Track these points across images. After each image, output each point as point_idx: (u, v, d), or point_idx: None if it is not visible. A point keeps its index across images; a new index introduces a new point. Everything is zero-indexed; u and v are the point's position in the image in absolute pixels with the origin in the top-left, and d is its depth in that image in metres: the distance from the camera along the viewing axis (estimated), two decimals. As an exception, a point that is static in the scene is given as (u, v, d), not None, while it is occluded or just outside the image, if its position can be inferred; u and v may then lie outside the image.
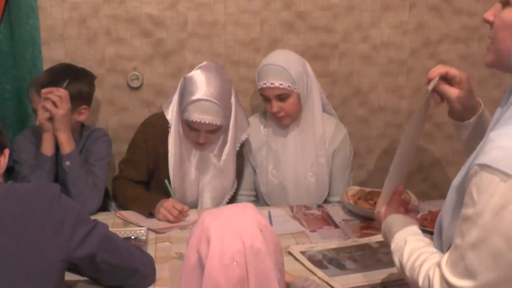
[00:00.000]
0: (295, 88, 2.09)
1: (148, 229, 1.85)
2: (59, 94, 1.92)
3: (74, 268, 1.37)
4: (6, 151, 1.36)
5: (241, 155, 2.22)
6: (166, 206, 1.95)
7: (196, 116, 1.95)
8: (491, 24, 1.18)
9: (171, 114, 2.08)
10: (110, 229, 1.42)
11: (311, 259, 1.68)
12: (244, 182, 2.26)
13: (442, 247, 1.23)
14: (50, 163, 1.94)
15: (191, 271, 1.06)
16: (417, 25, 2.49)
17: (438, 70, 1.36)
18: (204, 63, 2.08)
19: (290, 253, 1.71)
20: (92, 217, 1.39)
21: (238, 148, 2.16)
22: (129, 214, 1.99)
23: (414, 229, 1.30)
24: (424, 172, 2.68)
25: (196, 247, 1.06)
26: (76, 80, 2.02)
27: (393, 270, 1.57)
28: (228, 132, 2.09)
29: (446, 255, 1.11)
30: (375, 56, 2.50)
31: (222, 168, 2.13)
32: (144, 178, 2.14)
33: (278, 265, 1.09)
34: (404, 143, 1.40)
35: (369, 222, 1.94)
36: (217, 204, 2.15)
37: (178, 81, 2.11)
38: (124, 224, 1.93)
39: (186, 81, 2.02)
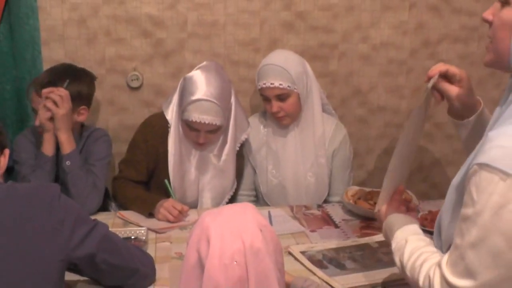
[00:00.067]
0: (294, 88, 2.09)
1: (148, 229, 1.85)
2: (60, 93, 1.92)
3: (74, 268, 1.36)
4: (6, 151, 1.36)
5: (241, 155, 2.22)
6: (166, 206, 1.95)
7: (196, 116, 1.96)
8: (490, 23, 1.18)
9: (171, 114, 2.08)
10: (110, 229, 1.42)
11: (311, 259, 1.68)
12: (244, 182, 2.26)
13: (442, 246, 1.23)
14: (50, 163, 1.95)
15: (191, 271, 1.06)
16: (416, 25, 2.49)
17: (438, 68, 1.36)
18: (204, 63, 2.08)
19: (290, 253, 1.71)
20: (92, 217, 1.39)
21: (238, 148, 2.16)
22: (129, 214, 1.99)
23: (415, 228, 1.30)
24: (424, 172, 2.68)
25: (196, 247, 1.06)
26: (76, 80, 2.02)
27: (393, 270, 1.58)
28: (228, 132, 2.10)
29: (446, 255, 1.11)
30: (374, 56, 2.50)
31: (222, 168, 2.13)
32: (144, 178, 2.14)
33: (278, 265, 1.10)
34: (404, 141, 1.39)
35: (369, 222, 1.94)
36: (217, 204, 2.15)
37: (178, 81, 2.11)
38: (124, 224, 1.93)
39: (186, 81, 2.02)
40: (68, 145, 1.94)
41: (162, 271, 1.58)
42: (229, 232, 1.04)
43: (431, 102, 1.41)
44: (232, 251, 1.02)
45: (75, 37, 2.30)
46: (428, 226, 1.80)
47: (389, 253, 1.60)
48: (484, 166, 1.03)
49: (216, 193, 2.15)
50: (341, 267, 1.64)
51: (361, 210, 1.98)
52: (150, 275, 1.52)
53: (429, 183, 2.70)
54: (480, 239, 1.03)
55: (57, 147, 1.96)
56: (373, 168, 2.63)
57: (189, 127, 2.02)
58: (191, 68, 2.10)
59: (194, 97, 1.95)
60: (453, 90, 1.36)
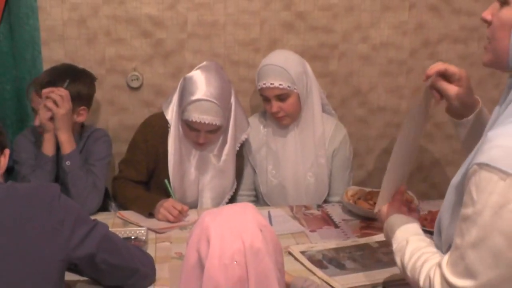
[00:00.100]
0: (294, 88, 2.09)
1: (148, 229, 1.85)
2: (60, 93, 1.92)
3: (74, 268, 1.37)
4: (6, 151, 1.36)
5: (241, 155, 2.22)
6: (166, 206, 1.95)
7: (196, 116, 1.96)
8: (488, 23, 1.17)
9: (170, 114, 2.08)
10: (110, 229, 1.42)
11: (311, 259, 1.68)
12: (243, 182, 2.26)
13: (442, 247, 1.23)
14: (51, 163, 1.95)
15: (191, 271, 1.06)
16: (416, 25, 2.49)
17: (437, 67, 1.36)
18: (204, 63, 2.08)
19: (290, 253, 1.71)
20: (92, 217, 1.39)
21: (237, 148, 2.16)
22: (129, 214, 1.99)
23: (416, 229, 1.30)
24: (424, 172, 2.68)
25: (196, 247, 1.06)
26: (76, 80, 2.02)
27: (393, 270, 1.58)
28: (228, 132, 2.10)
29: (447, 255, 1.11)
30: (374, 56, 2.50)
31: (221, 168, 2.13)
32: (144, 178, 2.14)
33: (278, 265, 1.10)
34: (404, 140, 1.39)
35: (368, 222, 1.94)
36: (217, 204, 2.15)
37: (178, 81, 2.11)
38: (124, 224, 1.93)
39: (186, 81, 2.02)
40: (68, 145, 1.94)
41: (162, 271, 1.58)
42: (229, 232, 1.04)
43: (431, 101, 1.40)
44: (232, 251, 1.02)
45: (75, 37, 2.30)
46: (428, 226, 1.80)
47: (389, 253, 1.60)
48: (483, 165, 1.03)
49: (216, 193, 2.15)
50: (341, 267, 1.64)
51: (361, 210, 1.98)
52: (150, 275, 1.52)
53: (429, 183, 2.70)
54: (480, 239, 1.03)
55: (57, 147, 1.96)
56: (373, 168, 2.64)
57: (189, 127, 2.02)
58: (191, 68, 2.10)
59: (194, 97, 1.96)
60: (451, 89, 1.36)
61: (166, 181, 2.07)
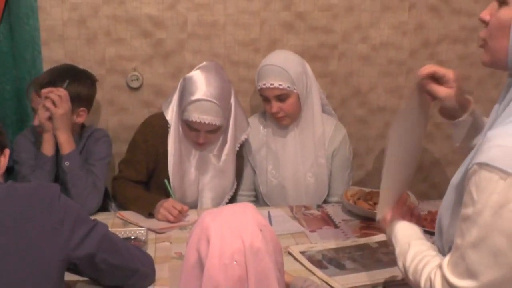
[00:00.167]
0: (294, 89, 2.09)
1: (148, 229, 1.85)
2: (59, 93, 1.92)
3: (73, 268, 1.37)
4: (6, 151, 1.36)
5: (241, 155, 2.23)
6: (166, 206, 1.95)
7: (196, 116, 1.96)
8: (486, 23, 1.17)
9: (170, 114, 2.08)
10: (109, 229, 1.42)
11: (310, 259, 1.68)
12: (243, 183, 2.26)
13: (443, 247, 1.23)
14: (50, 163, 1.95)
15: (191, 271, 1.06)
16: (416, 26, 2.49)
17: (426, 70, 1.36)
18: (204, 63, 2.08)
19: (289, 253, 1.71)
20: (92, 217, 1.39)
21: (237, 148, 2.17)
22: (129, 214, 1.99)
23: (418, 233, 1.30)
24: (424, 172, 2.69)
25: (196, 247, 1.06)
26: (76, 81, 2.02)
27: (393, 270, 1.58)
28: (228, 132, 2.10)
29: (448, 256, 1.11)
30: (374, 57, 2.51)
31: (221, 168, 2.13)
32: (143, 178, 2.14)
33: (278, 264, 1.10)
34: (398, 145, 1.38)
35: (368, 222, 1.94)
36: (216, 204, 2.15)
37: (177, 82, 2.11)
38: (123, 224, 1.93)
39: (186, 81, 2.02)
40: (67, 146, 1.94)
41: (162, 271, 1.58)
42: (229, 231, 1.04)
43: (425, 103, 1.39)
44: (232, 250, 1.02)
45: (75, 37, 2.30)
46: (428, 226, 1.80)
47: (389, 253, 1.61)
48: (483, 165, 1.03)
49: (216, 193, 2.15)
50: (340, 267, 1.64)
51: (361, 210, 1.98)
52: (150, 275, 1.52)
53: (429, 183, 2.70)
54: (481, 239, 1.03)
55: (57, 147, 1.96)
56: (372, 169, 2.64)
57: (189, 127, 2.02)
58: (191, 68, 2.11)
59: (194, 97, 1.96)
60: (441, 91, 1.35)
61: (166, 181, 2.07)
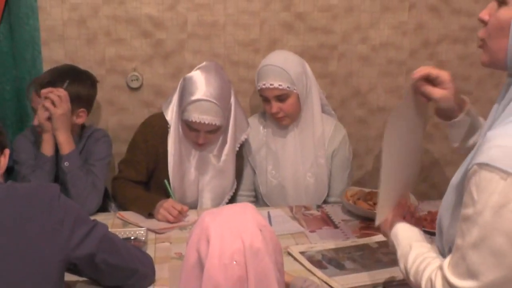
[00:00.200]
0: (294, 89, 2.09)
1: (148, 229, 1.85)
2: (58, 94, 1.92)
3: (73, 269, 1.37)
4: (6, 151, 1.36)
5: (241, 156, 2.23)
6: (166, 207, 1.95)
7: (196, 116, 1.96)
8: (485, 23, 1.16)
9: (170, 115, 2.08)
10: (109, 229, 1.42)
11: (310, 259, 1.68)
12: (243, 183, 2.26)
13: (443, 247, 1.23)
14: (50, 163, 1.94)
15: (190, 271, 1.07)
16: (416, 26, 2.50)
17: (419, 72, 1.36)
18: (204, 63, 2.08)
19: (289, 254, 1.71)
20: (92, 218, 1.39)
21: (237, 149, 2.17)
22: (129, 215, 1.99)
23: (419, 235, 1.30)
24: (424, 172, 2.69)
25: (196, 247, 1.06)
26: (76, 81, 2.01)
27: (392, 270, 1.58)
28: (228, 133, 2.10)
29: (448, 257, 1.11)
30: (374, 57, 2.51)
31: (221, 168, 2.13)
32: (143, 178, 2.14)
33: (278, 265, 1.10)
34: (397, 144, 1.37)
35: (368, 223, 1.94)
36: (216, 204, 2.15)
37: (177, 82, 2.11)
38: (123, 224, 1.93)
39: (186, 81, 2.02)
40: (66, 146, 1.94)
41: (162, 272, 1.58)
42: (228, 232, 1.04)
43: (422, 104, 1.39)
44: (232, 251, 1.02)
45: (75, 37, 2.30)
46: (428, 226, 1.80)
47: (389, 253, 1.61)
48: (484, 165, 1.02)
49: (216, 193, 2.15)
50: (340, 267, 1.64)
51: (361, 211, 1.98)
52: (149, 275, 1.52)
53: (429, 183, 2.70)
54: (481, 239, 1.02)
55: (57, 147, 1.96)
56: (372, 169, 2.64)
57: (189, 127, 2.02)
58: (191, 68, 2.11)
59: (194, 97, 1.96)
60: (436, 92, 1.35)
61: (165, 181, 2.07)
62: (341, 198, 2.10)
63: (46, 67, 2.21)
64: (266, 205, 2.22)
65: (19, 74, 2.26)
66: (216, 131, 2.04)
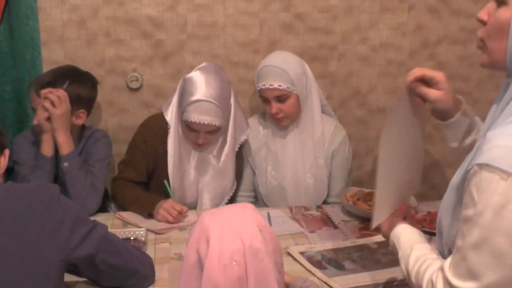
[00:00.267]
0: (294, 89, 2.09)
1: (148, 230, 1.85)
2: (58, 94, 1.92)
3: (73, 269, 1.37)
4: (6, 152, 1.36)
5: (240, 156, 2.23)
6: (166, 207, 1.95)
7: (196, 116, 1.96)
8: (484, 23, 1.16)
9: (170, 115, 2.08)
10: (109, 230, 1.42)
11: (310, 259, 1.68)
12: (243, 183, 2.26)
13: (443, 248, 1.23)
14: (50, 163, 1.94)
15: (190, 271, 1.07)
16: (415, 27, 2.50)
17: (413, 74, 1.36)
18: (204, 64, 2.08)
19: (289, 254, 1.71)
20: (92, 218, 1.39)
21: (237, 149, 2.17)
22: (128, 215, 1.99)
23: (420, 237, 1.30)
24: (423, 173, 2.65)
25: (196, 247, 1.06)
26: (76, 82, 2.01)
27: (392, 270, 1.58)
28: (227, 133, 2.10)
29: (449, 258, 1.10)
30: (374, 57, 2.51)
31: (221, 169, 2.13)
32: (143, 179, 2.14)
33: (277, 265, 1.10)
34: (394, 147, 1.37)
35: (368, 223, 1.94)
36: (216, 205, 2.15)
37: (177, 82, 2.11)
38: (123, 225, 1.93)
39: (186, 82, 2.03)
40: (66, 146, 1.94)
41: (162, 272, 1.58)
42: (228, 232, 1.05)
43: (418, 106, 1.39)
44: (232, 251, 1.03)
45: (75, 38, 2.30)
46: (427, 227, 1.80)
47: (388, 254, 1.61)
48: (484, 166, 1.02)
49: (216, 194, 2.15)
50: (340, 267, 1.64)
51: (360, 211, 1.98)
52: (149, 275, 1.52)
53: (428, 184, 2.70)
54: (482, 240, 1.02)
55: (57, 148, 1.96)
56: (372, 169, 2.64)
57: (189, 127, 2.02)
58: (191, 69, 2.11)
59: (194, 98, 1.96)
60: (431, 93, 1.35)
61: (165, 181, 2.08)
62: (340, 198, 2.11)
63: (46, 67, 2.21)
64: (265, 205, 2.22)
65: (19, 74, 2.26)
66: (215, 132, 2.04)
